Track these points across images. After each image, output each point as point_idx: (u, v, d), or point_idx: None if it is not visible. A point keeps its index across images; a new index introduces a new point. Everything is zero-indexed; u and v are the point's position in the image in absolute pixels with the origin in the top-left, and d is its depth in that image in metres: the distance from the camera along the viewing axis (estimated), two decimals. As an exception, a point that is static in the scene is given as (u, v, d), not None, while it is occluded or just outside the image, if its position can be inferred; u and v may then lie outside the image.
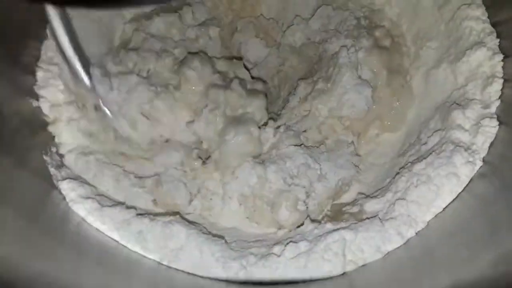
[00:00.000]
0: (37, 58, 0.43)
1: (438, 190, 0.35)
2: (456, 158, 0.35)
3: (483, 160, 0.35)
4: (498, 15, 0.39)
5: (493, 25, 0.40)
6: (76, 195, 0.37)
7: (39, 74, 0.42)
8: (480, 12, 0.40)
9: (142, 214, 0.37)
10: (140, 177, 0.41)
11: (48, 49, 0.43)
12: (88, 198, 0.37)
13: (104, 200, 0.38)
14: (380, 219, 0.36)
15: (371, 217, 0.36)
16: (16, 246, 0.28)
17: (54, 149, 0.39)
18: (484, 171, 0.34)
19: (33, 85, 0.41)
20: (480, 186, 0.34)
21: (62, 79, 0.42)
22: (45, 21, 0.43)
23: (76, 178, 0.38)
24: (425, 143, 0.40)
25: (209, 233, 0.38)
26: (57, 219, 0.35)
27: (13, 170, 0.34)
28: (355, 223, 0.36)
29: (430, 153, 0.37)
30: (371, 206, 0.38)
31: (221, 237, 0.38)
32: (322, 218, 0.39)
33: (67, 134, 0.41)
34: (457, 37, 0.42)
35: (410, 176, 0.37)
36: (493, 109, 0.36)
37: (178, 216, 0.39)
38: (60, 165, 0.39)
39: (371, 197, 0.39)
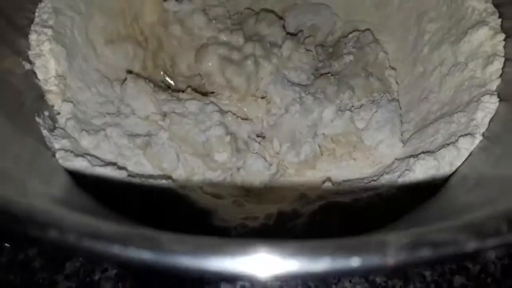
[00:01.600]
0: (31, 20, 0.43)
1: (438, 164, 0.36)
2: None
3: (483, 135, 0.36)
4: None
5: (496, 6, 0.41)
6: (67, 153, 0.37)
7: (33, 37, 0.41)
8: (482, -9, 0.41)
9: (133, 175, 0.38)
10: (131, 135, 0.42)
11: (42, 12, 0.43)
12: (78, 156, 0.37)
13: (95, 160, 0.38)
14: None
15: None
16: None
17: (46, 113, 0.39)
18: (484, 145, 0.36)
19: (26, 48, 0.41)
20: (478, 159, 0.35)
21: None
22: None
23: (68, 137, 0.38)
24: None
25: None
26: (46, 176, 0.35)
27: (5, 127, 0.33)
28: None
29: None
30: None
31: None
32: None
33: (59, 101, 0.41)
34: (459, 18, 0.43)
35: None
36: (493, 86, 0.38)
37: (170, 180, 0.39)
38: (53, 128, 0.39)
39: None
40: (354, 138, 0.44)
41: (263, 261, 0.15)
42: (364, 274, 0.15)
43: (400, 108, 0.46)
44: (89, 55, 0.46)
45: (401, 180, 0.36)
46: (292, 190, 0.41)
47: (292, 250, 0.15)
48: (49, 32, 0.42)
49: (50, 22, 0.42)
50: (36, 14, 0.43)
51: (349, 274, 0.14)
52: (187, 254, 0.15)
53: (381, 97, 0.45)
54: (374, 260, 0.14)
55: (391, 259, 0.14)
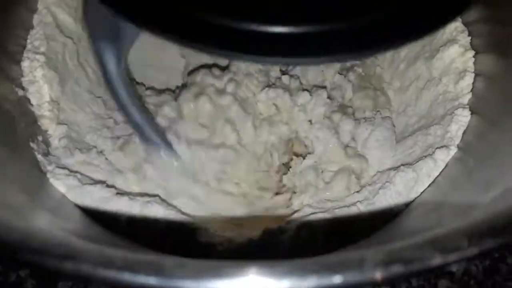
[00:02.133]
0: (24, 47, 0.44)
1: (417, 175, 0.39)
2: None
3: (457, 146, 0.39)
4: (470, 15, 0.43)
5: (465, 24, 0.44)
6: (59, 173, 0.38)
7: (25, 64, 0.43)
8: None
9: (122, 193, 0.39)
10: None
11: (34, 38, 0.45)
12: (69, 175, 0.38)
13: (85, 179, 0.39)
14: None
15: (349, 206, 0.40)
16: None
17: (40, 137, 0.41)
18: (458, 156, 0.38)
19: (19, 75, 0.42)
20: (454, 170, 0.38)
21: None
22: (31, 11, 0.46)
23: (60, 159, 0.40)
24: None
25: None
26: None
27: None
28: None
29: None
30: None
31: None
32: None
33: (53, 125, 0.42)
34: (431, 36, 0.46)
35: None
36: (465, 100, 0.41)
37: (157, 197, 0.41)
38: (47, 153, 0.40)
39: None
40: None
41: (257, 283, 0.17)
42: None
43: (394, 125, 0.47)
44: (81, 78, 0.48)
45: (382, 192, 0.39)
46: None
47: (282, 270, 0.17)
48: (41, 58, 0.44)
49: (42, 49, 0.44)
50: (28, 41, 0.45)
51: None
52: (189, 278, 0.17)
53: (375, 114, 0.47)
54: (354, 276, 0.17)
55: (368, 275, 0.17)
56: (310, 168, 0.44)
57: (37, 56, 0.44)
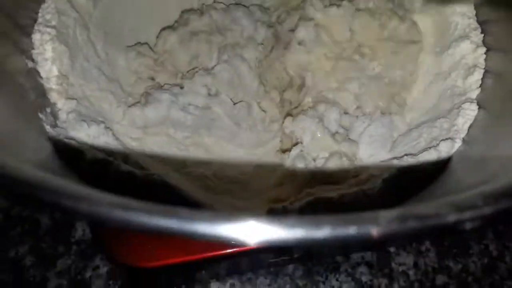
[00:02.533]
0: (35, 20, 0.45)
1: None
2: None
3: (463, 139, 0.40)
4: (486, 14, 0.44)
5: (481, 23, 0.44)
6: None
7: (36, 36, 0.43)
8: (466, 8, 0.45)
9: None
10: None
11: (45, 12, 0.45)
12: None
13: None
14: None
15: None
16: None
17: (48, 109, 0.41)
18: (463, 149, 0.39)
19: (30, 48, 0.42)
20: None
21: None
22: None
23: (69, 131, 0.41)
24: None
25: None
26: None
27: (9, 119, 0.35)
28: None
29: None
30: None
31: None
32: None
33: (62, 98, 0.43)
34: (443, 31, 0.47)
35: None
36: (473, 95, 0.41)
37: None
38: (54, 125, 0.40)
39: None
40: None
41: (270, 229, 0.18)
42: (359, 243, 0.17)
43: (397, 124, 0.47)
44: (90, 54, 0.48)
45: (384, 179, 0.39)
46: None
47: (295, 221, 0.17)
48: (52, 32, 0.44)
49: (53, 22, 0.44)
50: (40, 14, 0.45)
51: (346, 242, 0.16)
52: (204, 221, 0.18)
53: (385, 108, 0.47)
54: (368, 229, 0.17)
55: (382, 229, 0.17)
56: (298, 156, 0.44)
57: (48, 30, 0.44)
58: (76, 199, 0.18)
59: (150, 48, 0.54)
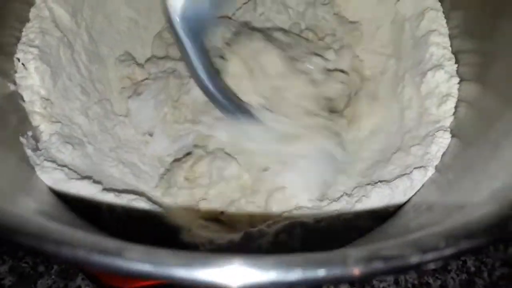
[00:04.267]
0: (18, 39, 0.45)
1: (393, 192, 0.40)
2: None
3: (435, 167, 0.41)
4: (461, 45, 0.46)
5: (455, 53, 0.47)
6: (46, 167, 0.39)
7: (19, 55, 0.44)
8: (441, 39, 0.47)
9: (108, 189, 0.40)
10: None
11: (29, 32, 0.46)
12: (56, 169, 0.39)
13: (72, 173, 0.40)
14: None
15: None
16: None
17: (30, 133, 0.41)
18: (435, 177, 0.41)
19: (12, 70, 0.43)
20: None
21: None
22: (28, 4, 0.46)
23: (50, 154, 0.41)
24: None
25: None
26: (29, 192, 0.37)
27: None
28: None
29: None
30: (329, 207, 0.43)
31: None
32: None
33: (44, 121, 0.43)
34: (419, 60, 0.48)
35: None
36: (447, 123, 0.43)
37: (144, 196, 0.42)
38: (36, 148, 0.41)
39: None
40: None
41: (243, 273, 0.19)
42: (328, 283, 0.18)
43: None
44: (73, 73, 0.48)
45: (358, 205, 0.40)
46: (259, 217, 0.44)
47: (268, 263, 0.18)
48: (35, 51, 0.45)
49: (37, 42, 0.45)
50: (23, 33, 0.46)
51: (316, 283, 0.17)
52: (181, 266, 0.18)
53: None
54: (337, 271, 0.18)
55: (350, 270, 0.18)
56: None
57: (31, 49, 0.45)
58: (55, 242, 0.18)
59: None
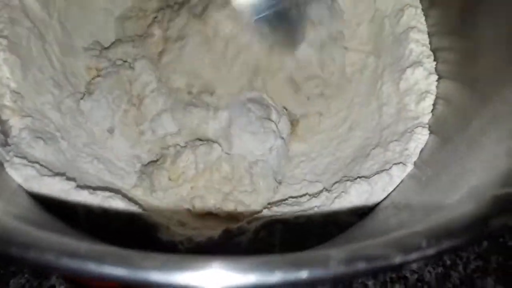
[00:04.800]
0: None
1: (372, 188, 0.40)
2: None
3: (414, 163, 0.41)
4: (440, 42, 0.47)
5: (434, 50, 0.47)
6: (17, 163, 0.37)
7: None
8: (420, 36, 0.47)
9: (82, 186, 0.39)
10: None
11: (-3, 21, 0.43)
12: (27, 165, 0.37)
13: (44, 170, 0.38)
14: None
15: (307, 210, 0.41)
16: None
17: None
18: (413, 173, 0.41)
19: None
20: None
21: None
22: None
23: (21, 149, 0.39)
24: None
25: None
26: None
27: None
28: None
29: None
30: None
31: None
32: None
33: (14, 115, 0.41)
34: (399, 56, 0.49)
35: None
36: (425, 120, 0.43)
37: (119, 193, 0.41)
38: (5, 143, 0.39)
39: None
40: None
41: (223, 276, 0.18)
42: (309, 284, 0.18)
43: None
44: (44, 65, 0.46)
45: (337, 201, 0.40)
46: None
47: (248, 266, 0.18)
48: (4, 42, 0.43)
49: (5, 32, 0.43)
50: (-10, 22, 0.43)
51: (298, 285, 0.17)
52: (156, 269, 0.17)
53: None
54: (319, 272, 0.18)
55: (332, 271, 0.18)
56: None
57: (0, 40, 0.42)
58: (20, 246, 0.17)
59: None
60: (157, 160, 0.46)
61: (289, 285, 0.18)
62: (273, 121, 0.48)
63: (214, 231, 0.40)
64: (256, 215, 0.41)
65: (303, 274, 0.17)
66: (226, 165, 0.45)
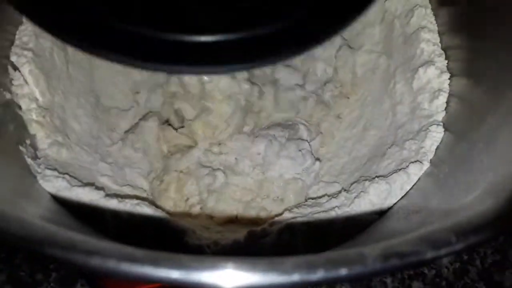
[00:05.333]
0: (12, 42, 0.44)
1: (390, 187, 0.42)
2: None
3: (430, 161, 0.42)
4: (451, 41, 0.48)
5: (445, 49, 0.48)
6: (48, 175, 0.39)
7: (12, 59, 0.43)
8: (431, 35, 0.48)
9: (111, 195, 0.40)
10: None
11: (22, 34, 0.45)
12: (58, 177, 0.39)
13: (74, 181, 0.40)
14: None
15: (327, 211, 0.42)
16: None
17: (28, 141, 0.41)
18: (430, 171, 0.42)
19: (6, 78, 0.42)
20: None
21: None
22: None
23: (50, 162, 0.40)
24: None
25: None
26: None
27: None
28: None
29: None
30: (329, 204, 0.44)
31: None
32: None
33: (42, 129, 0.42)
34: (410, 56, 0.50)
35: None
36: (439, 117, 0.44)
37: (146, 200, 0.42)
38: (35, 156, 0.40)
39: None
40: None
41: (268, 276, 0.19)
42: (347, 281, 0.19)
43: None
44: (68, 76, 0.48)
45: (357, 201, 0.41)
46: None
47: (291, 266, 0.19)
48: (29, 54, 0.44)
49: (31, 45, 0.45)
50: (17, 36, 0.45)
51: (336, 281, 0.18)
52: (206, 270, 0.19)
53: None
54: (357, 269, 0.19)
55: (370, 268, 0.19)
56: None
57: (25, 52, 0.44)
58: (83, 252, 0.18)
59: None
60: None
61: (330, 282, 0.19)
62: (306, 140, 0.49)
63: (238, 233, 0.41)
64: (277, 218, 0.42)
65: (343, 272, 0.19)
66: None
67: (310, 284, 0.19)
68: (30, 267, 0.50)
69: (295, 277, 0.19)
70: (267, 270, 0.19)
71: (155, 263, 0.18)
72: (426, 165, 0.42)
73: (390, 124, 0.49)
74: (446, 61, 0.47)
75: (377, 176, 0.43)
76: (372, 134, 0.51)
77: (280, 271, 0.19)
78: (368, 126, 0.52)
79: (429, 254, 0.20)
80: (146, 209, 0.40)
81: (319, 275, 0.19)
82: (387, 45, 0.54)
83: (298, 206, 0.44)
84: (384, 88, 0.52)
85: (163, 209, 0.42)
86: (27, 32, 0.45)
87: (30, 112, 0.42)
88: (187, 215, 0.45)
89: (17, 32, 0.45)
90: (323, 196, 0.46)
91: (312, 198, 0.46)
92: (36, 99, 0.43)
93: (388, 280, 0.48)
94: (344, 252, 0.20)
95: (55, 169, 0.39)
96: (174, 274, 0.18)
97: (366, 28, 0.55)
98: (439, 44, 0.48)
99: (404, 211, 0.40)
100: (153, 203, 0.42)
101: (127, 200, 0.40)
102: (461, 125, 0.43)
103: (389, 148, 0.46)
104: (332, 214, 0.41)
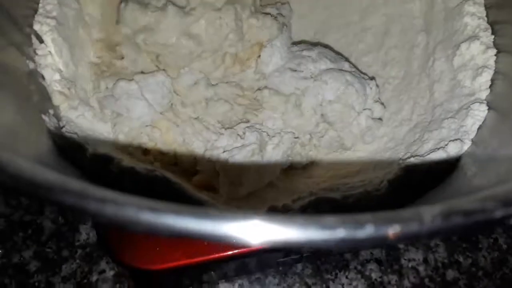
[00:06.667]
0: (35, 11, 0.43)
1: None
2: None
3: (472, 141, 0.39)
4: (498, 15, 0.44)
5: (491, 23, 0.44)
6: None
7: (36, 27, 0.42)
8: (476, 9, 0.45)
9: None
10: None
11: (46, 2, 0.44)
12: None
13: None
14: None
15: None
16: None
17: (51, 111, 0.40)
18: (472, 150, 0.38)
19: (29, 45, 0.41)
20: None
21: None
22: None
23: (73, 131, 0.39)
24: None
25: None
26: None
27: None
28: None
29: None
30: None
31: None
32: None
33: (65, 100, 0.41)
34: (452, 32, 0.46)
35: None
36: (482, 96, 0.41)
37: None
38: (58, 126, 0.39)
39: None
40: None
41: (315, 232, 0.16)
42: (402, 242, 0.17)
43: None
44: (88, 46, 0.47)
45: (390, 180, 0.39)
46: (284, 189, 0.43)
47: (335, 221, 0.16)
48: (52, 22, 0.43)
49: (54, 13, 0.44)
50: (40, 4, 0.44)
51: (389, 241, 0.15)
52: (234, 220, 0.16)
53: None
54: (412, 227, 0.16)
55: (427, 226, 0.16)
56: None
57: (48, 20, 0.43)
58: (99, 201, 0.16)
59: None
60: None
61: (380, 241, 0.16)
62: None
63: (258, 209, 0.38)
64: (300, 195, 0.40)
65: (395, 229, 0.16)
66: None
67: (357, 243, 0.16)
68: (57, 243, 0.49)
69: (340, 233, 0.16)
70: (305, 225, 0.16)
71: (179, 213, 0.16)
72: (467, 144, 0.39)
73: (427, 103, 0.46)
74: (493, 36, 0.43)
75: (412, 156, 0.40)
76: (408, 113, 0.47)
77: (321, 225, 0.16)
78: (402, 106, 0.49)
79: (499, 212, 0.17)
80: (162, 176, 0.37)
81: (368, 231, 0.16)
82: (427, 21, 0.50)
83: (323, 182, 0.42)
84: (423, 66, 0.48)
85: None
86: (51, 1, 0.44)
87: (54, 83, 0.41)
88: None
89: (41, 1, 0.44)
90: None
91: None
92: (60, 70, 0.42)
93: (421, 268, 0.44)
94: (397, 212, 0.17)
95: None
96: (202, 226, 0.16)
97: (405, 4, 0.52)
98: (485, 18, 0.44)
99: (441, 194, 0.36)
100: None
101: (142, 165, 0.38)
102: (508, 104, 0.39)
103: (427, 127, 0.43)
104: (361, 193, 0.38)
